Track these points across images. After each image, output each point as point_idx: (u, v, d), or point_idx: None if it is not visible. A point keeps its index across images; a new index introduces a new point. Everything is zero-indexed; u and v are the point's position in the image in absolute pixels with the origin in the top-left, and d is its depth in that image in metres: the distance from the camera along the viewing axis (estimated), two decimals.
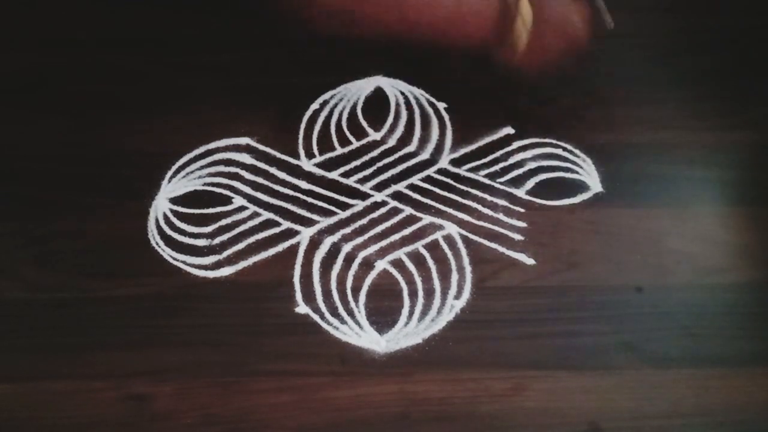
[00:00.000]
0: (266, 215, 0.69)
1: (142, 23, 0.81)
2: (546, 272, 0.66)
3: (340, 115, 0.74)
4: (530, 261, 0.66)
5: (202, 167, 0.71)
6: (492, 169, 0.71)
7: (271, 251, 0.67)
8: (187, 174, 0.71)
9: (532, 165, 0.71)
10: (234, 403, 0.60)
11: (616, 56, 0.79)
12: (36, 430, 0.59)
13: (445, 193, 0.70)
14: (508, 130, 0.73)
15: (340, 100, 0.75)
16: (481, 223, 0.68)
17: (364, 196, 0.70)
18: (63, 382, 0.61)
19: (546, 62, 0.67)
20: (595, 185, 0.70)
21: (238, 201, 0.70)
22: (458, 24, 0.63)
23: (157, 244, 0.67)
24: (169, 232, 0.68)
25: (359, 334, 0.63)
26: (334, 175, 0.71)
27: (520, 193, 0.70)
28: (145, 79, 0.77)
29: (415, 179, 0.71)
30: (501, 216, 0.69)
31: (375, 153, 0.72)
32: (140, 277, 0.65)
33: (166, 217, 0.68)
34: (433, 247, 0.67)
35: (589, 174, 0.71)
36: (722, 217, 0.69)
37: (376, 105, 0.75)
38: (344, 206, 0.69)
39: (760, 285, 0.65)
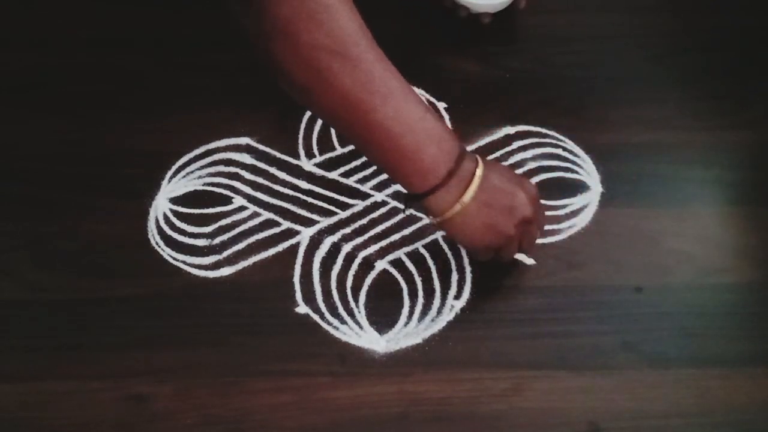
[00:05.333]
0: (266, 215, 0.69)
1: (142, 23, 0.81)
2: (546, 272, 0.66)
3: None
4: (530, 261, 0.66)
5: (202, 167, 0.71)
6: None
7: (271, 251, 0.67)
8: (187, 174, 0.71)
9: (532, 165, 0.71)
10: (234, 403, 0.60)
11: (616, 56, 0.79)
12: (36, 430, 0.59)
13: None
14: (508, 130, 0.73)
15: None
16: None
17: (364, 196, 0.70)
18: (63, 382, 0.61)
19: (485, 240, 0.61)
20: (595, 185, 0.70)
21: (238, 201, 0.70)
22: (413, 159, 0.57)
23: (157, 244, 0.67)
24: (169, 232, 0.68)
25: (359, 334, 0.63)
26: (334, 175, 0.71)
27: None
28: (146, 79, 0.77)
29: None
30: None
31: None
32: (140, 277, 0.65)
33: (166, 217, 0.68)
34: (433, 247, 0.67)
35: (589, 174, 0.71)
36: (722, 217, 0.69)
37: None
38: (344, 206, 0.69)
39: (760, 285, 0.65)
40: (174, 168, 0.71)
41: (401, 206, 0.66)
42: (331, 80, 0.54)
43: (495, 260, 0.63)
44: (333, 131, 0.73)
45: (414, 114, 0.56)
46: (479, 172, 0.58)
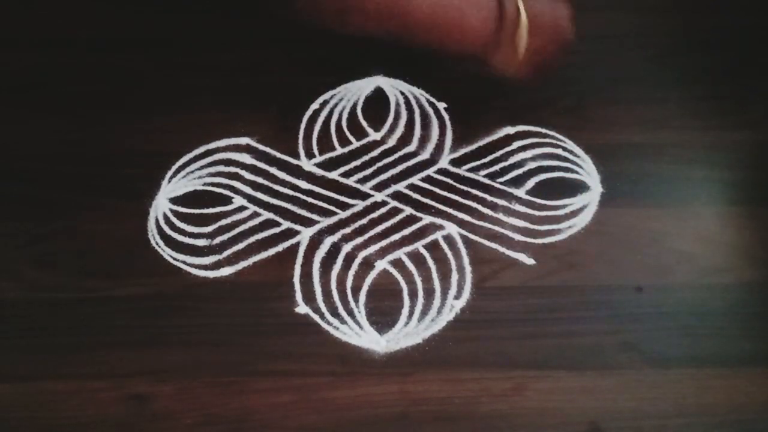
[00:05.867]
0: (266, 215, 0.69)
1: (142, 23, 0.81)
2: (546, 272, 0.66)
3: (340, 115, 0.74)
4: (530, 261, 0.66)
5: (202, 167, 0.71)
6: (492, 169, 0.71)
7: (271, 251, 0.67)
8: (187, 174, 0.71)
9: (532, 165, 0.71)
10: (234, 403, 0.60)
11: (616, 56, 0.79)
12: (36, 430, 0.59)
13: (445, 193, 0.70)
14: (508, 130, 0.73)
15: (340, 100, 0.75)
16: (481, 223, 0.68)
17: (364, 196, 0.70)
18: (63, 382, 0.61)
19: (541, 64, 0.67)
20: (595, 185, 0.70)
21: (238, 201, 0.70)
22: (459, 25, 0.63)
23: (157, 244, 0.67)
24: (169, 232, 0.68)
25: (359, 334, 0.63)
26: (334, 175, 0.71)
27: (520, 193, 0.70)
28: (145, 79, 0.77)
29: (415, 179, 0.71)
30: (501, 216, 0.69)
31: (375, 153, 0.72)
32: (140, 277, 0.65)
33: (166, 217, 0.68)
34: (433, 247, 0.67)
35: (589, 174, 0.71)
36: (722, 217, 0.69)
37: (376, 105, 0.75)
38: (344, 206, 0.69)
39: (760, 285, 0.65)
40: (174, 168, 0.71)
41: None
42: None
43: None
44: (333, 131, 0.73)
45: None
46: None
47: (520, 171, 0.71)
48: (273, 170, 0.71)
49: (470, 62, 0.67)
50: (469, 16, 0.62)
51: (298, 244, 0.67)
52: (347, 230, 0.68)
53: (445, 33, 0.63)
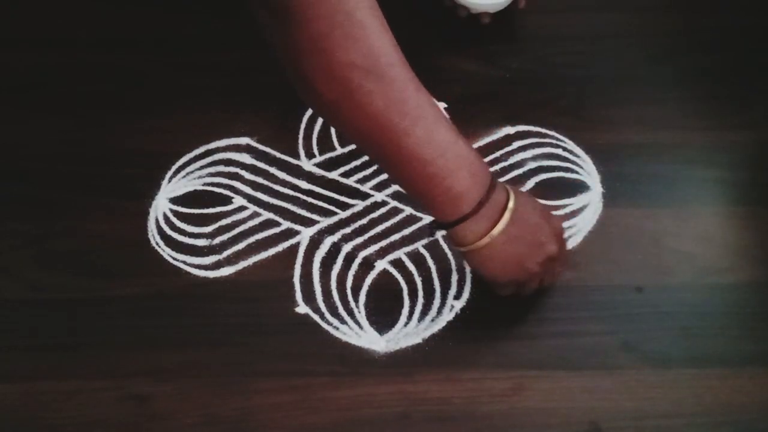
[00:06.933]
0: (266, 215, 0.69)
1: (142, 23, 0.81)
2: None
3: None
4: None
5: (202, 167, 0.71)
6: (492, 169, 0.71)
7: (271, 251, 0.67)
8: (187, 174, 0.71)
9: (532, 165, 0.71)
10: (234, 403, 0.60)
11: (616, 56, 0.79)
12: (36, 430, 0.59)
13: None
14: (508, 130, 0.73)
15: None
16: None
17: (364, 196, 0.70)
18: (63, 382, 0.61)
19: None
20: (595, 185, 0.70)
21: (238, 201, 0.70)
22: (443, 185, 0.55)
23: (157, 244, 0.67)
24: (169, 232, 0.68)
25: (359, 334, 0.63)
26: (334, 175, 0.71)
27: None
28: (146, 79, 0.77)
29: None
30: None
31: None
32: (140, 277, 0.65)
33: (166, 217, 0.68)
34: (433, 247, 0.67)
35: (589, 174, 0.71)
36: (722, 217, 0.69)
37: None
38: (344, 206, 0.69)
39: (760, 285, 0.65)
40: (174, 168, 0.71)
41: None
42: (363, 100, 0.51)
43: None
44: (333, 131, 0.73)
45: (446, 138, 0.54)
46: (511, 204, 0.56)
47: (520, 171, 0.71)
48: (273, 170, 0.71)
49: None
50: (456, 181, 0.54)
51: (298, 244, 0.67)
52: (347, 230, 0.68)
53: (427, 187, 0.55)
